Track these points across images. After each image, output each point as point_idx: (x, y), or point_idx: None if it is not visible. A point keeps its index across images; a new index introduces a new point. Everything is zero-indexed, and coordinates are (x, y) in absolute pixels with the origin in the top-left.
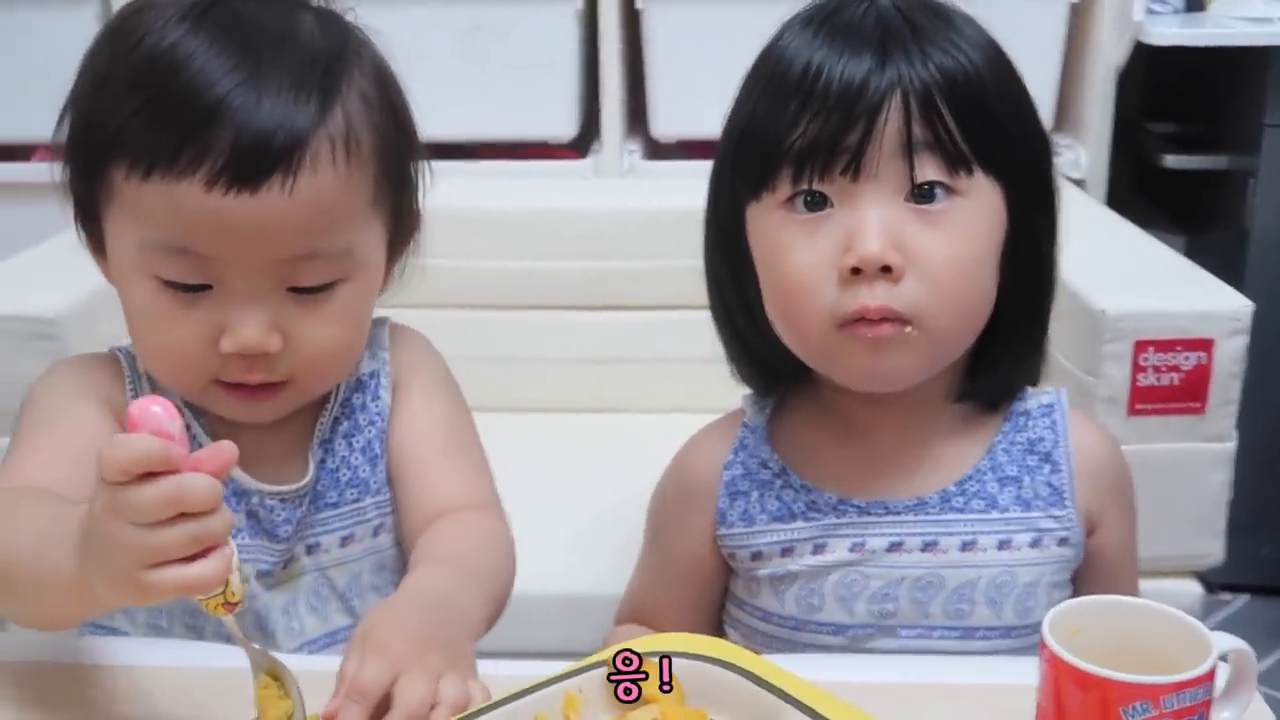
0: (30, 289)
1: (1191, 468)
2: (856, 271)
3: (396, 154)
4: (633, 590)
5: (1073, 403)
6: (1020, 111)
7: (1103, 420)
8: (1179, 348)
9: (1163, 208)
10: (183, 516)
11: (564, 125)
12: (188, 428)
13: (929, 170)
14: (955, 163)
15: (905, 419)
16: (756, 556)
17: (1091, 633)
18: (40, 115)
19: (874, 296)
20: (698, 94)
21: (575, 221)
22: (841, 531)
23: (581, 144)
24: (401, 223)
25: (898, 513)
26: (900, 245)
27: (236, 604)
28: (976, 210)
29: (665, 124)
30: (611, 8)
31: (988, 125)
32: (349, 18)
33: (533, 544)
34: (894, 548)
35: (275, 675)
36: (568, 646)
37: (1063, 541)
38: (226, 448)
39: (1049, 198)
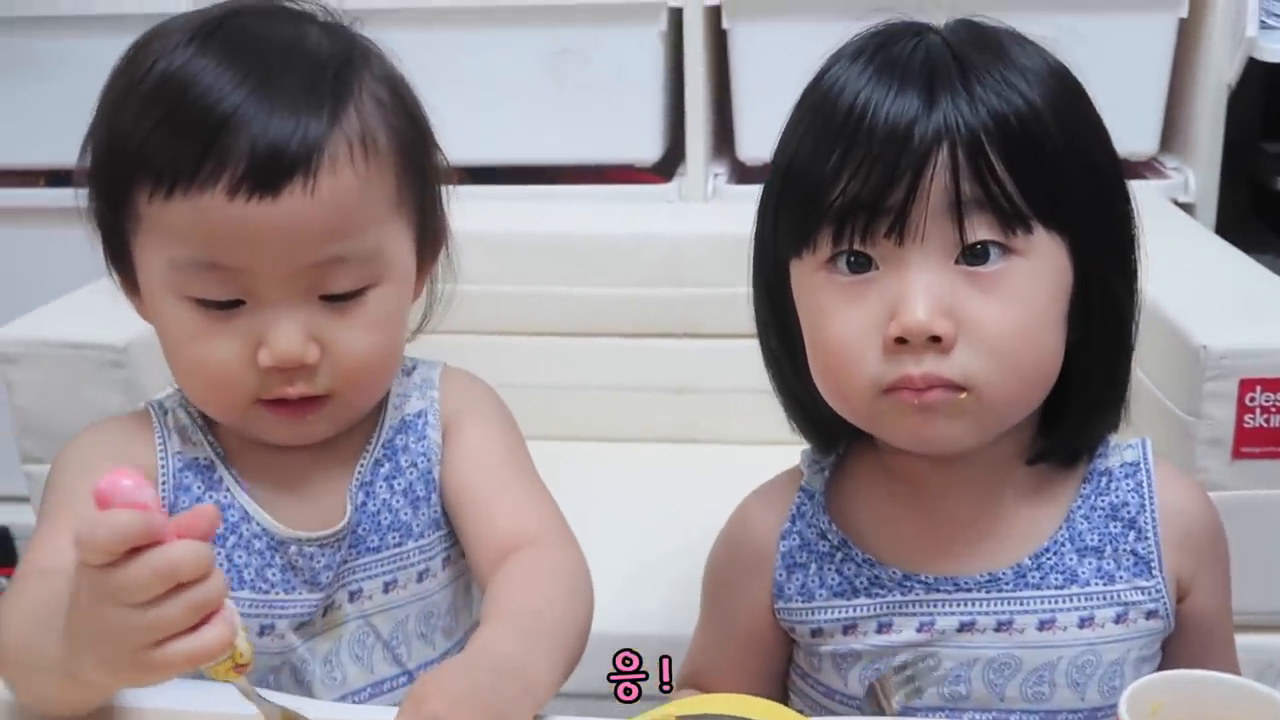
0: (100, 317)
1: None
2: (902, 341)
3: (416, 154)
4: (692, 655)
5: (1173, 444)
6: (1086, 150)
7: (1205, 464)
8: None
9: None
10: (178, 588)
11: (648, 148)
12: (220, 481)
13: (981, 230)
14: (1011, 221)
15: (973, 482)
16: (817, 633)
17: (1173, 711)
18: None
19: (920, 366)
20: (786, 116)
21: (656, 246)
22: (908, 609)
23: (667, 167)
24: (427, 228)
25: (968, 589)
26: (951, 312)
27: (246, 665)
28: (1036, 270)
29: (752, 146)
30: (696, 28)
31: (1047, 174)
32: (355, 28)
33: (599, 576)
34: (965, 628)
35: None
36: None
37: (1151, 614)
38: (208, 511)
39: (1123, 243)
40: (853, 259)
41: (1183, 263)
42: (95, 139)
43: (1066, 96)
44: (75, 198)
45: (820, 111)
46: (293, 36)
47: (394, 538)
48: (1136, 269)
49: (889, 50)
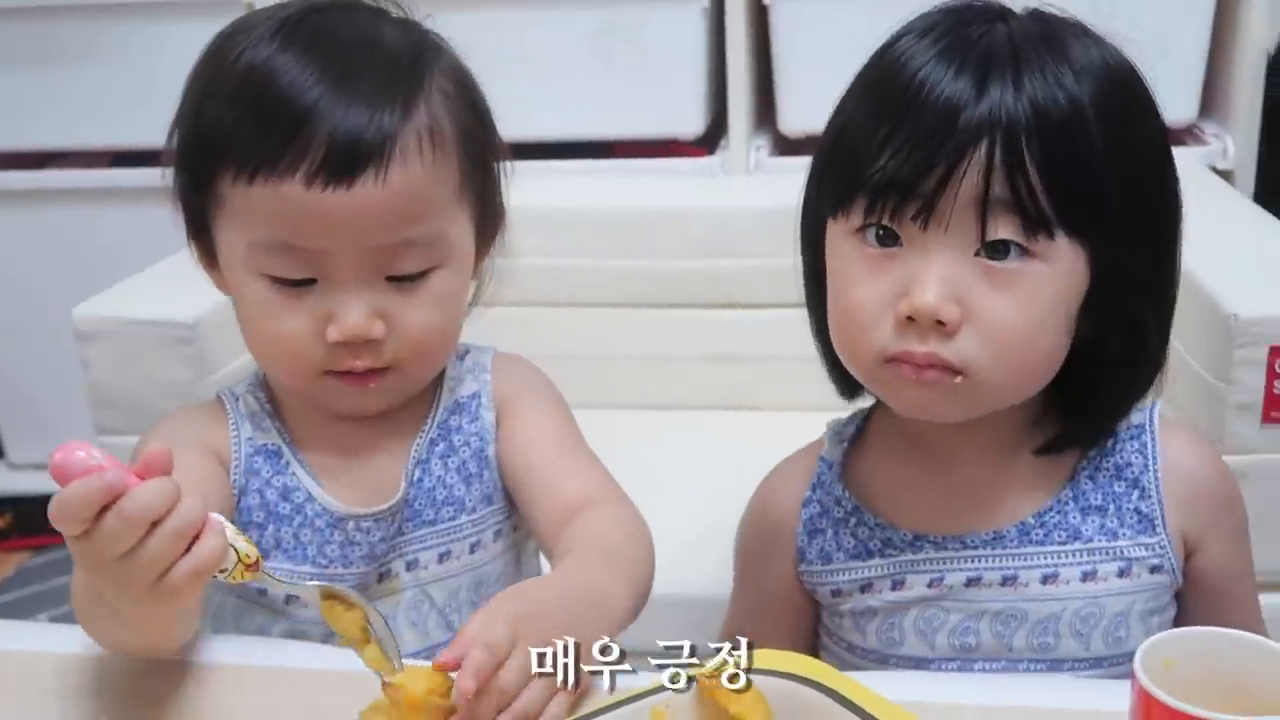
0: (170, 295)
1: None
2: (911, 319)
3: (479, 146)
4: (728, 624)
5: (1205, 410)
6: (1128, 157)
7: (1236, 429)
8: None
9: None
10: (155, 525)
11: (692, 122)
12: (286, 466)
13: (1004, 229)
14: (1034, 225)
15: (985, 447)
16: (837, 593)
17: (1186, 667)
18: None
19: (924, 344)
20: (826, 88)
21: (701, 219)
22: (919, 568)
23: (711, 140)
24: (487, 214)
25: (974, 547)
26: (960, 300)
27: (256, 561)
28: (1051, 274)
29: (793, 119)
30: (738, 4)
31: (1080, 181)
32: (427, 24)
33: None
34: (972, 583)
35: (333, 595)
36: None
37: (1156, 569)
38: (159, 450)
39: (1150, 254)
40: (881, 232)
41: (1216, 230)
42: (183, 124)
43: (1116, 97)
44: (140, 178)
45: (880, 82)
46: (369, 33)
47: (448, 511)
48: (1170, 283)
49: (959, 32)
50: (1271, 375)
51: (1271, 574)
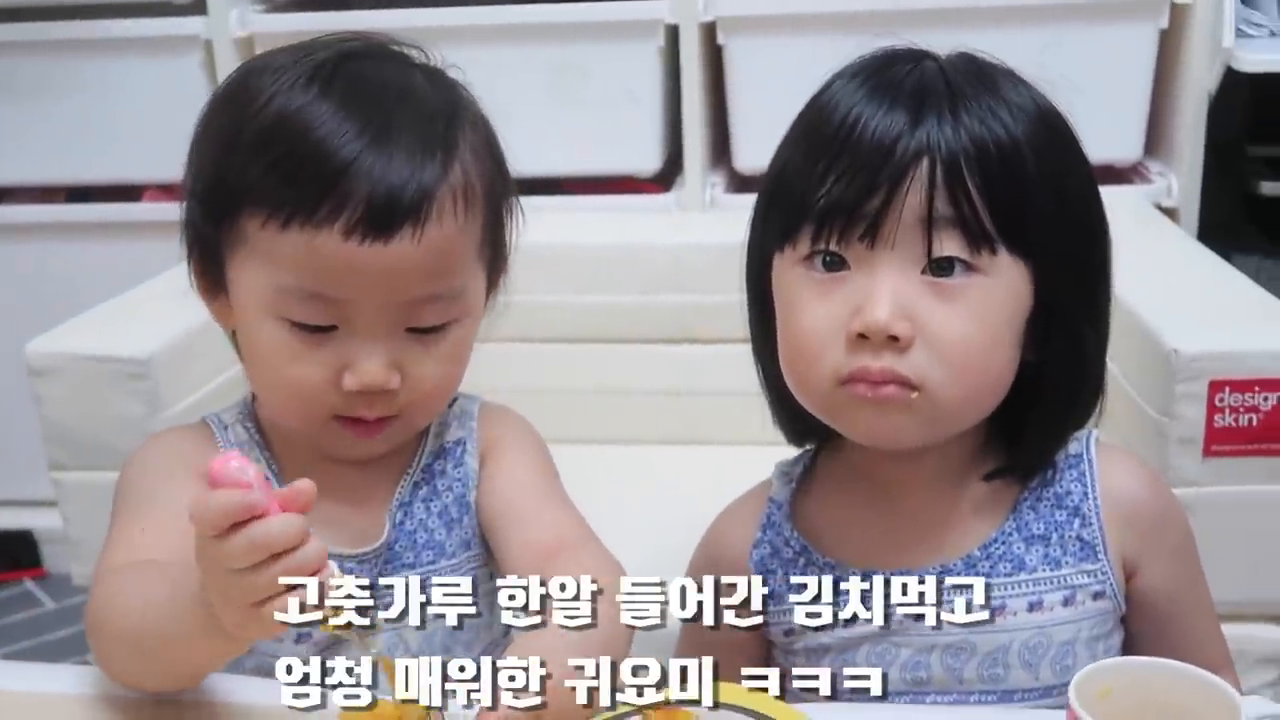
0: (124, 331)
1: (1273, 510)
2: (864, 337)
3: (500, 199)
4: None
5: (1147, 444)
6: (1061, 190)
7: (1178, 462)
8: (1257, 388)
9: (1272, 236)
10: (274, 556)
11: (648, 160)
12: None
13: (949, 245)
14: (978, 241)
15: (931, 480)
16: (790, 632)
17: (1122, 695)
18: (147, 158)
19: (878, 360)
20: (779, 127)
21: (657, 255)
22: (869, 604)
23: (666, 178)
24: (498, 262)
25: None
26: (910, 316)
27: (349, 624)
28: (996, 289)
29: (748, 157)
30: (692, 44)
31: (1018, 202)
32: (451, 74)
33: None
34: (920, 617)
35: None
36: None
37: (1098, 595)
38: (304, 487)
39: (1088, 280)
40: (828, 258)
41: (1159, 267)
42: (202, 160)
43: (1049, 136)
44: (95, 213)
45: (815, 123)
46: (404, 85)
47: (428, 556)
48: (1106, 307)
49: (886, 72)
50: (1212, 410)
51: (1218, 604)
